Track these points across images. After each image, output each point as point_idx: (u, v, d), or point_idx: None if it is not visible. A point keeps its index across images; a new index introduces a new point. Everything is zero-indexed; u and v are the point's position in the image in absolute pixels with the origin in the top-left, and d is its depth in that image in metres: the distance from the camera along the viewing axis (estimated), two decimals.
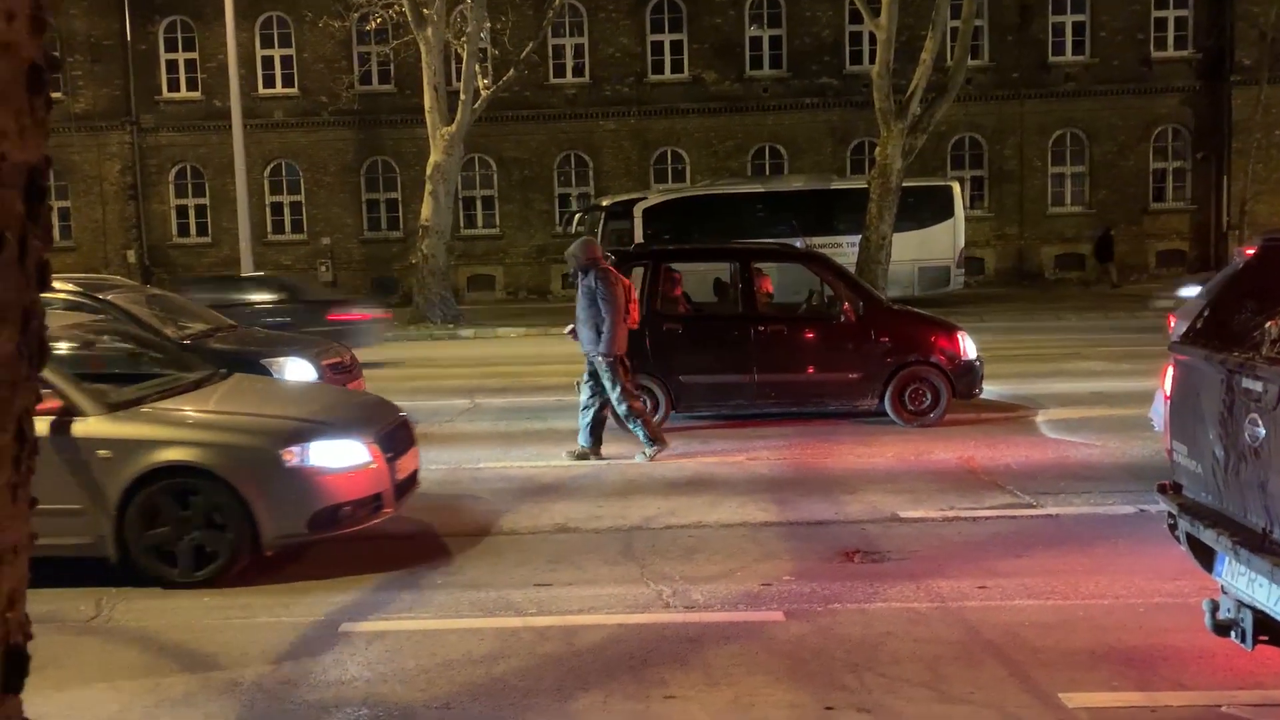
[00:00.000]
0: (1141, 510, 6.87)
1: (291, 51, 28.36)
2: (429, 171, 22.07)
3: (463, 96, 21.79)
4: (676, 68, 28.34)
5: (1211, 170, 27.79)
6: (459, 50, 22.39)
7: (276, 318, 14.63)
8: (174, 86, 28.62)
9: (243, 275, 19.17)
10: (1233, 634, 4.15)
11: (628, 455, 9.11)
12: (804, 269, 11.15)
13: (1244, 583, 3.92)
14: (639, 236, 21.00)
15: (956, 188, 23.23)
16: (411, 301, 22.93)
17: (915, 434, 9.74)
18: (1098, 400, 11.10)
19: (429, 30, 21.18)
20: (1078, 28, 27.91)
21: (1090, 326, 19.43)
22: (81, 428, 5.87)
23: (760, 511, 7.26)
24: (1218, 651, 4.52)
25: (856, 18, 25.53)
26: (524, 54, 23.33)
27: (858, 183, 22.00)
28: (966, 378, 10.24)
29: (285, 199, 28.85)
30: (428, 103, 21.74)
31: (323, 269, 28.06)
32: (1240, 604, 4.04)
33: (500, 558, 6.36)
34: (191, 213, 28.99)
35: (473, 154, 26.65)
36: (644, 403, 9.39)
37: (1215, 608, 4.23)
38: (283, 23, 28.20)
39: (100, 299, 9.74)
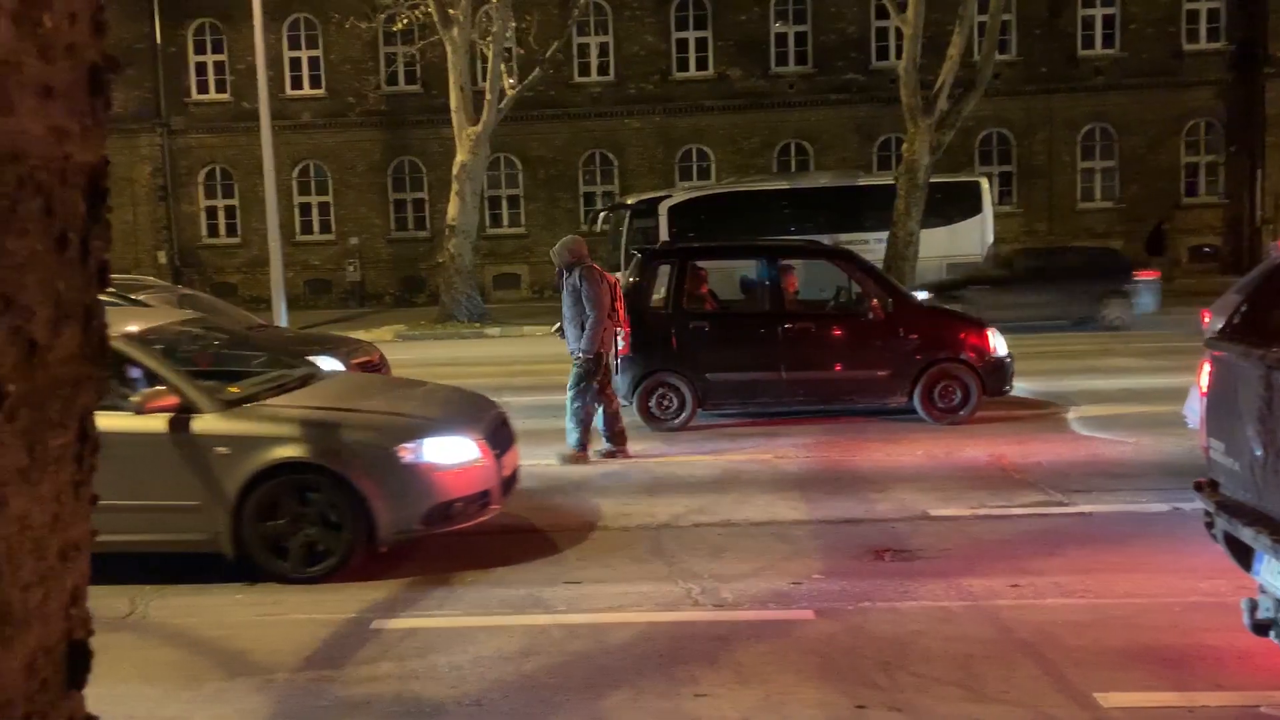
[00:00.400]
0: (1176, 508, 6.79)
1: (319, 53, 28.53)
2: (455, 171, 22.15)
3: (488, 96, 21.85)
4: (701, 65, 28.28)
5: (1244, 164, 27.42)
6: (484, 50, 22.44)
7: None
8: (203, 89, 28.88)
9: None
10: (1272, 633, 4.10)
11: (654, 453, 9.13)
12: (831, 266, 11.11)
13: None
14: (665, 234, 20.94)
15: (985, 183, 22.99)
16: (438, 301, 23.06)
17: (945, 432, 9.68)
18: (1130, 397, 10.99)
19: (455, 30, 21.25)
20: (1107, 20, 27.59)
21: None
22: (199, 425, 5.91)
23: (789, 510, 7.24)
24: (1256, 651, 4.45)
25: (882, 13, 25.34)
26: (549, 53, 23.37)
27: (885, 179, 21.85)
28: (997, 375, 10.16)
29: (314, 199, 29.03)
30: (454, 103, 21.82)
31: (351, 269, 28.26)
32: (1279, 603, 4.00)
33: (529, 555, 6.38)
34: (221, 214, 29.24)
35: (498, 153, 26.70)
36: (616, 411, 9.04)
37: (1254, 607, 4.18)
38: (310, 24, 28.38)
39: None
